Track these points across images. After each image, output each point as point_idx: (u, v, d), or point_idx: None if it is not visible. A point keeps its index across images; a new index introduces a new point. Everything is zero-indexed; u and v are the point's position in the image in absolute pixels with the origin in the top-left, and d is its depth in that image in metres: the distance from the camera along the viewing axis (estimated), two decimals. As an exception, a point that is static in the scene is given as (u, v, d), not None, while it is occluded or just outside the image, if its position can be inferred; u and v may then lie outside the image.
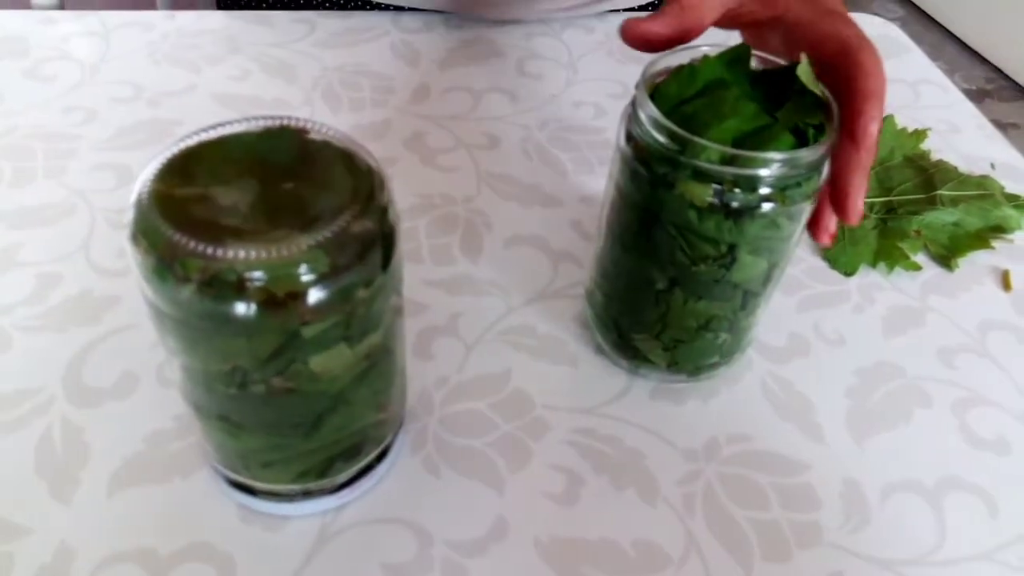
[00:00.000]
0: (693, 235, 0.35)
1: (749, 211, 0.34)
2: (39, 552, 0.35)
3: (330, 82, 0.60)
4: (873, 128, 0.36)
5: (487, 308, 0.46)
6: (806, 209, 0.36)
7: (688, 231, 0.35)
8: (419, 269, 0.48)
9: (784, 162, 0.33)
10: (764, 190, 0.34)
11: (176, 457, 0.38)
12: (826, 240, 0.40)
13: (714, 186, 0.34)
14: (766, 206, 0.34)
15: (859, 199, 0.38)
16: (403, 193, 0.52)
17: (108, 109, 0.56)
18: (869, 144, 0.36)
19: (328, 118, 0.57)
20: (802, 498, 0.39)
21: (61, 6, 0.81)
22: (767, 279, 0.38)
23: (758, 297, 0.39)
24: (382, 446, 0.37)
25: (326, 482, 0.36)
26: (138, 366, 0.41)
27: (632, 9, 0.71)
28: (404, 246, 0.49)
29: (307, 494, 0.36)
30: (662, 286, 0.38)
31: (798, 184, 0.34)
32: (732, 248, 0.35)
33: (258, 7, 0.70)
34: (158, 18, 0.65)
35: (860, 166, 0.37)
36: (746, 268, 0.36)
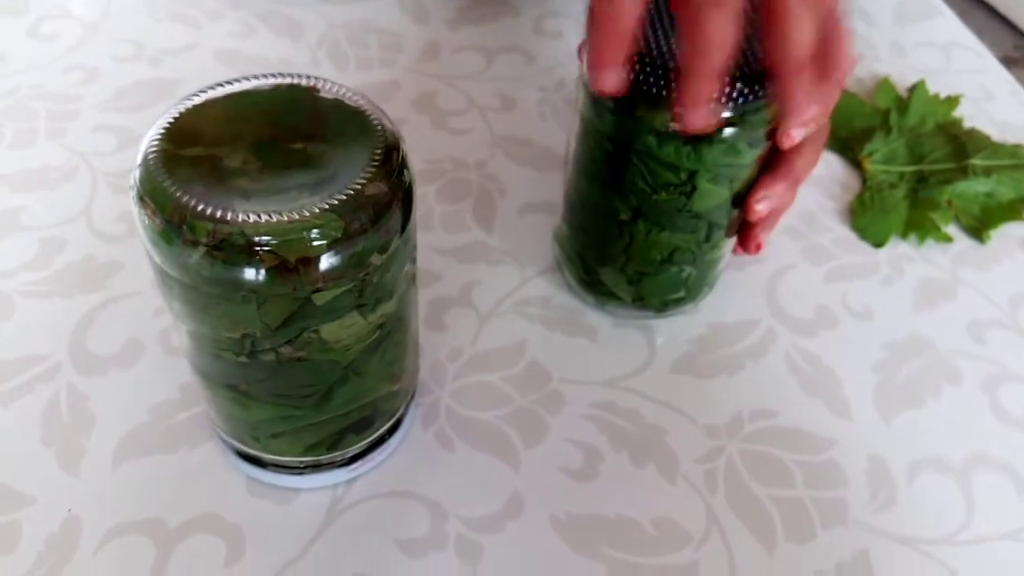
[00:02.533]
0: (653, 161, 0.35)
1: (708, 136, 0.33)
2: (47, 521, 0.34)
3: (336, 39, 0.58)
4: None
5: (501, 278, 0.45)
6: (763, 136, 0.35)
7: (648, 157, 0.35)
8: (430, 237, 0.46)
9: (742, 87, 0.32)
10: (724, 114, 0.33)
11: (183, 427, 0.37)
12: (752, 251, 0.40)
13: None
14: (726, 131, 0.33)
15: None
16: (412, 157, 0.50)
17: (109, 68, 0.55)
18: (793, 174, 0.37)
19: (334, 77, 0.54)
20: (827, 476, 0.38)
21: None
22: (729, 210, 0.37)
23: (722, 229, 0.38)
24: (394, 419, 0.36)
25: (337, 454, 0.35)
26: (143, 333, 0.40)
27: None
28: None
29: (317, 467, 0.35)
30: (625, 217, 0.38)
31: (756, 110, 0.33)
32: (692, 175, 0.35)
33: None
34: (160, -27, 0.63)
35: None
36: (706, 196, 0.36)
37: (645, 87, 0.33)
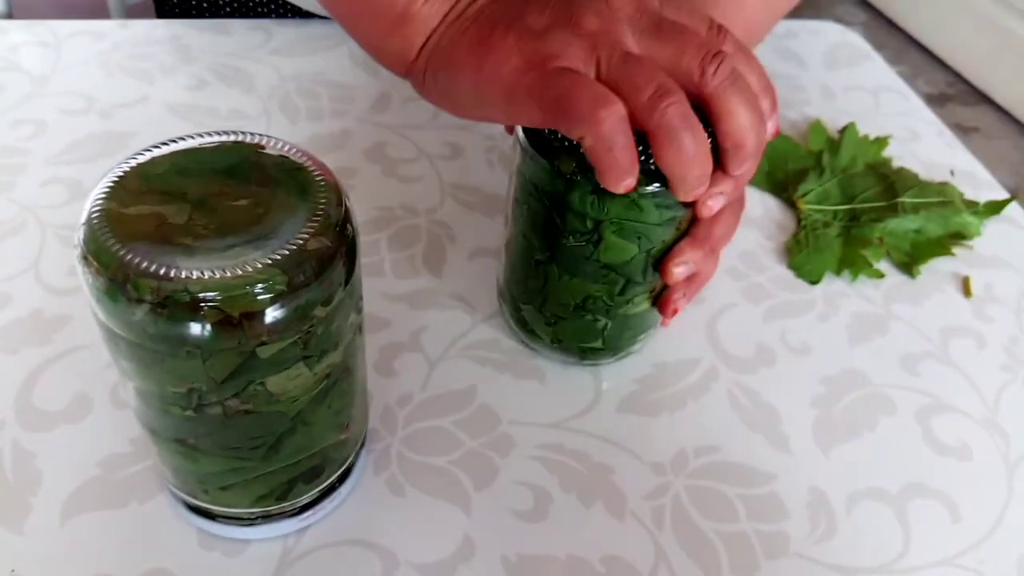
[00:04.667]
0: (565, 207, 0.36)
1: None
2: (-13, 584, 0.33)
3: (287, 91, 0.59)
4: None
5: (451, 322, 0.45)
6: (673, 198, 0.35)
7: (561, 202, 0.36)
8: (380, 283, 0.47)
9: (646, 144, 0.33)
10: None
11: (132, 481, 0.37)
12: (665, 321, 0.41)
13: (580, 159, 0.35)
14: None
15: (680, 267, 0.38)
16: (364, 205, 0.51)
17: (58, 121, 0.55)
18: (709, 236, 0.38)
19: (286, 128, 0.56)
20: (769, 508, 0.39)
21: (9, 15, 0.79)
22: (645, 268, 0.38)
23: (639, 287, 0.39)
24: (344, 466, 0.36)
25: (287, 505, 0.35)
26: (91, 387, 0.40)
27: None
28: (365, 260, 0.48)
29: (267, 517, 0.35)
30: (541, 257, 0.39)
31: (659, 170, 0.34)
32: (598, 225, 0.36)
33: (213, 15, 0.69)
34: (110, 27, 0.64)
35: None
36: (613, 249, 0.37)
37: (558, 136, 0.35)
